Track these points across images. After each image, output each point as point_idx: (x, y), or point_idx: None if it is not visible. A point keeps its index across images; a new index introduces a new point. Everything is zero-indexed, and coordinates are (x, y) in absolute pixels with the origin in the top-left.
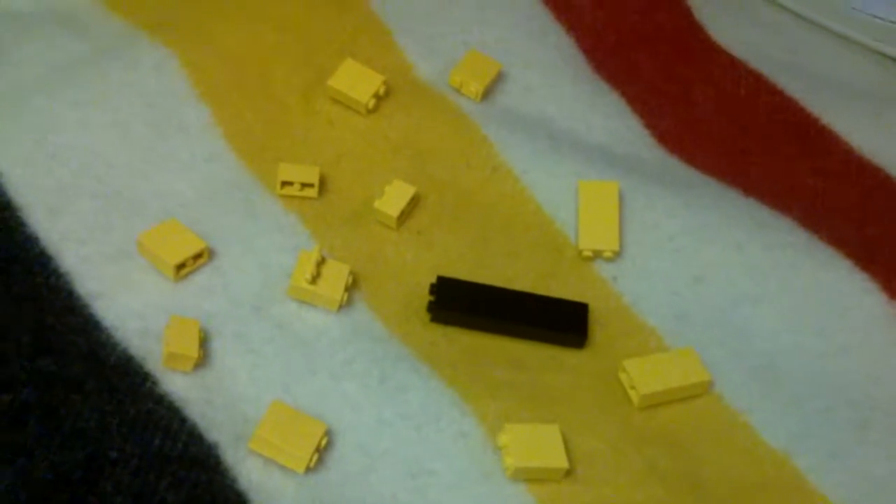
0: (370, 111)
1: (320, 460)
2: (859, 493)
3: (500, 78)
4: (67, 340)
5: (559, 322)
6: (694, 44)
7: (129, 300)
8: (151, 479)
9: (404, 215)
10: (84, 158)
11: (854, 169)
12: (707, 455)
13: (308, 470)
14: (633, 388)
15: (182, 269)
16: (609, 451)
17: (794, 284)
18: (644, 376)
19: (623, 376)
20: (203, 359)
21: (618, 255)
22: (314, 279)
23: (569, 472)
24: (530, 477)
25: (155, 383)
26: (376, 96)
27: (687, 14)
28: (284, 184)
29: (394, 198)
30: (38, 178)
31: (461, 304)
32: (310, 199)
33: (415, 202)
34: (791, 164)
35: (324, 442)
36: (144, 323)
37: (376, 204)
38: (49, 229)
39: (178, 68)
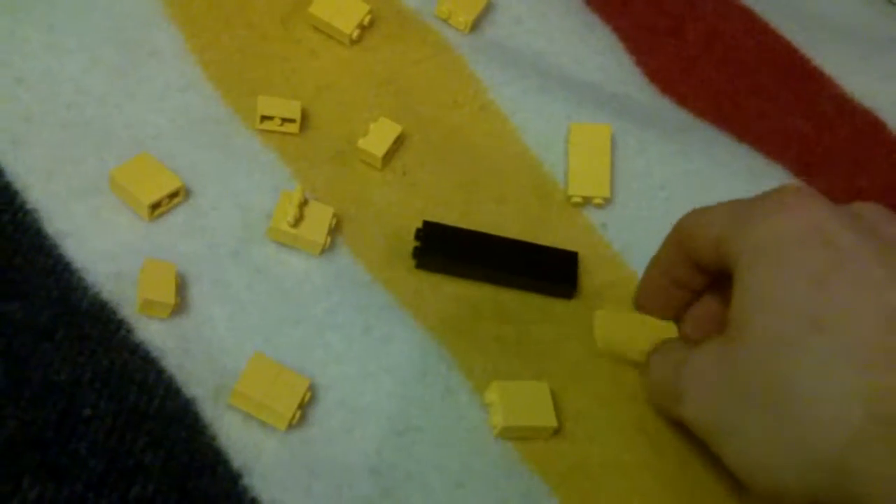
0: (354, 42)
1: (303, 416)
2: None
3: (488, 9)
4: (36, 284)
5: (549, 272)
6: None
7: (100, 240)
8: (127, 439)
9: (389, 155)
10: (52, 85)
11: (846, 113)
12: None
13: (290, 426)
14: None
15: (156, 208)
16: (598, 408)
17: None
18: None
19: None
20: (180, 305)
21: (608, 201)
22: (297, 221)
23: (556, 430)
24: (518, 436)
25: (129, 331)
26: (360, 26)
27: None
28: (264, 118)
29: (379, 137)
30: (3, 105)
31: (448, 250)
32: (290, 135)
33: (400, 141)
34: (783, 107)
35: (307, 397)
36: (117, 265)
37: (360, 143)
38: (14, 161)
39: None
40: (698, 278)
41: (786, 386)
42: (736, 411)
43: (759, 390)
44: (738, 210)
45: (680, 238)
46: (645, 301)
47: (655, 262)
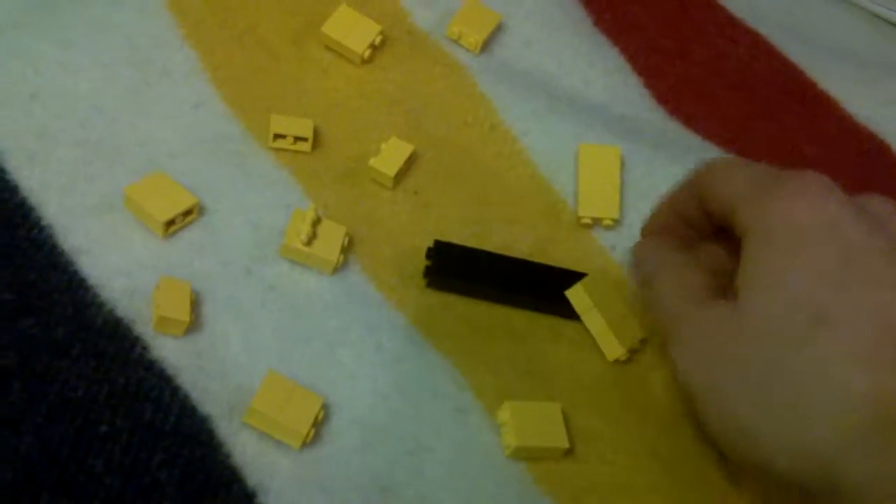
0: (365, 61)
1: (316, 434)
2: None
3: (498, 30)
4: (52, 300)
5: (560, 292)
6: None
7: (115, 257)
8: (143, 456)
9: (401, 174)
10: (66, 101)
11: (851, 136)
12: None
13: (304, 445)
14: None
15: (171, 225)
16: (609, 429)
17: None
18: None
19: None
20: (194, 322)
21: (617, 223)
22: (310, 240)
23: (568, 451)
24: (530, 456)
25: (145, 348)
26: (372, 46)
27: None
28: (277, 136)
29: (390, 156)
30: (18, 121)
31: (459, 270)
32: (303, 153)
33: (411, 160)
34: (789, 129)
35: (321, 416)
36: (132, 282)
37: (372, 162)
38: (29, 177)
39: (162, 9)
40: (707, 225)
41: (786, 375)
42: (730, 382)
43: (759, 371)
44: (757, 179)
45: (695, 185)
46: (652, 231)
47: (668, 200)
